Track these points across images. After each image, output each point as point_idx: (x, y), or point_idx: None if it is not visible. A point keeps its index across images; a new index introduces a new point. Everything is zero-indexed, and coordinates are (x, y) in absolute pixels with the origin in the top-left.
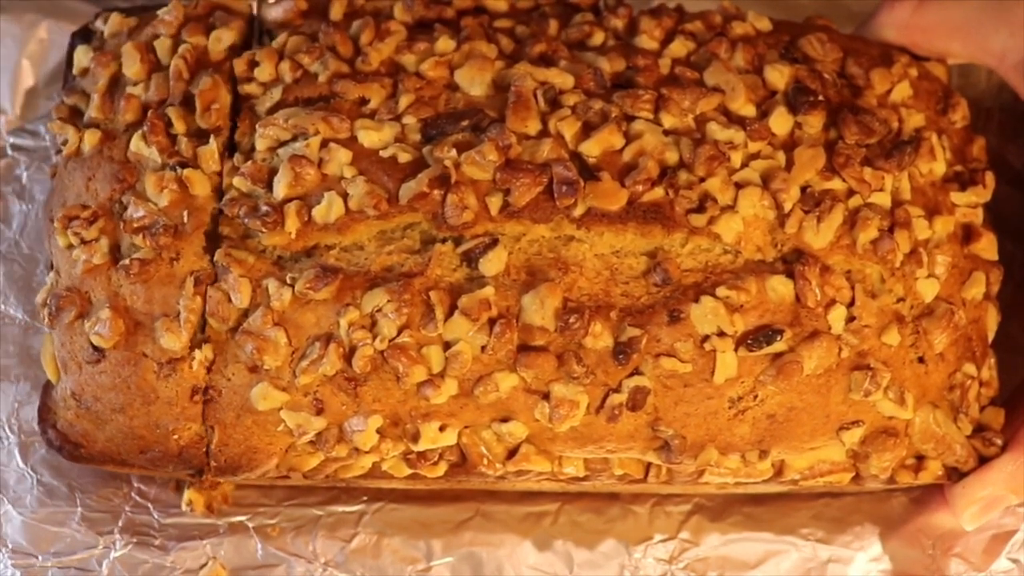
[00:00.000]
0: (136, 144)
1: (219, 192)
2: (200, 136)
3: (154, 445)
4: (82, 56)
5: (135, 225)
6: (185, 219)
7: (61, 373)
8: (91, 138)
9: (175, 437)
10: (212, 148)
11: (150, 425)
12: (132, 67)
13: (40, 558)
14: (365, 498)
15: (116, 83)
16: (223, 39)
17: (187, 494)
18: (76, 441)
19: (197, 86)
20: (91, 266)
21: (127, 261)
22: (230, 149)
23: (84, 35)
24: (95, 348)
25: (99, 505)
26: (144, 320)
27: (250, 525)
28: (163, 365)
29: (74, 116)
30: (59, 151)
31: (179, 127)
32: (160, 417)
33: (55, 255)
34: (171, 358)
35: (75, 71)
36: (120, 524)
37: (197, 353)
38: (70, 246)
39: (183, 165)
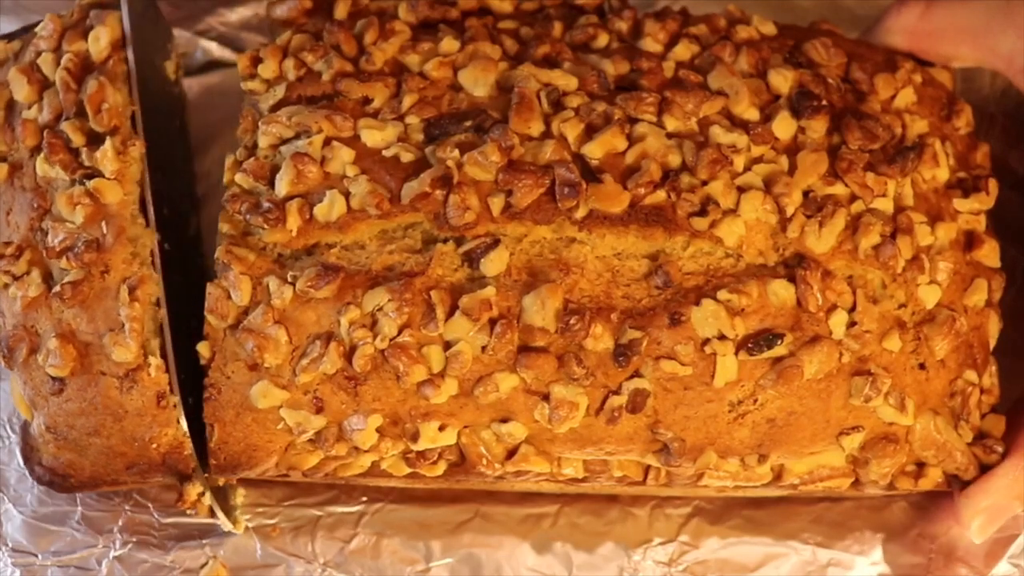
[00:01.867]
0: (41, 168)
1: (139, 185)
2: (101, 142)
3: (136, 458)
4: None
5: (58, 249)
6: (104, 230)
7: (32, 410)
8: (0, 172)
9: (154, 446)
10: (107, 149)
11: (127, 440)
12: (21, 91)
13: (40, 557)
14: (364, 499)
15: (12, 111)
16: (101, 37)
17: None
18: (64, 473)
19: (85, 92)
20: (29, 300)
21: (59, 287)
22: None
23: None
24: (54, 379)
25: (99, 504)
26: (92, 340)
27: (250, 525)
28: (123, 379)
29: None
30: None
31: (77, 139)
32: (134, 430)
33: None
34: (128, 370)
35: None
36: (120, 523)
37: (152, 359)
38: (5, 285)
39: (89, 177)
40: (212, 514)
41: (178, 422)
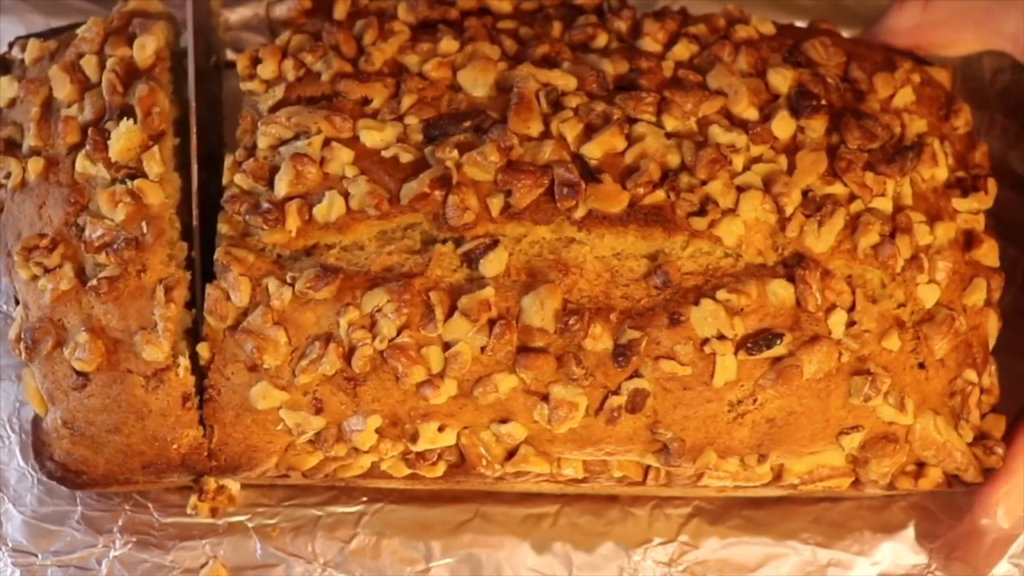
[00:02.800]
0: (82, 164)
1: (182, 194)
2: (143, 145)
3: (155, 458)
4: (6, 87)
5: (96, 244)
6: (144, 230)
7: (48, 404)
8: (35, 167)
9: (175, 446)
10: (154, 151)
11: (147, 439)
12: (63, 89)
13: (40, 557)
14: (364, 499)
15: (49, 108)
16: (147, 46)
17: (192, 499)
18: (76, 469)
19: (134, 95)
20: (59, 293)
21: (95, 281)
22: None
23: (2, 66)
24: (78, 373)
25: (99, 504)
26: (122, 337)
27: (249, 525)
28: (150, 378)
29: (11, 148)
30: (2, 185)
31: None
32: (156, 429)
33: (19, 289)
34: (156, 369)
35: (2, 104)
36: (120, 523)
37: (181, 360)
38: (34, 277)
39: (132, 177)
40: (212, 514)
41: (200, 423)
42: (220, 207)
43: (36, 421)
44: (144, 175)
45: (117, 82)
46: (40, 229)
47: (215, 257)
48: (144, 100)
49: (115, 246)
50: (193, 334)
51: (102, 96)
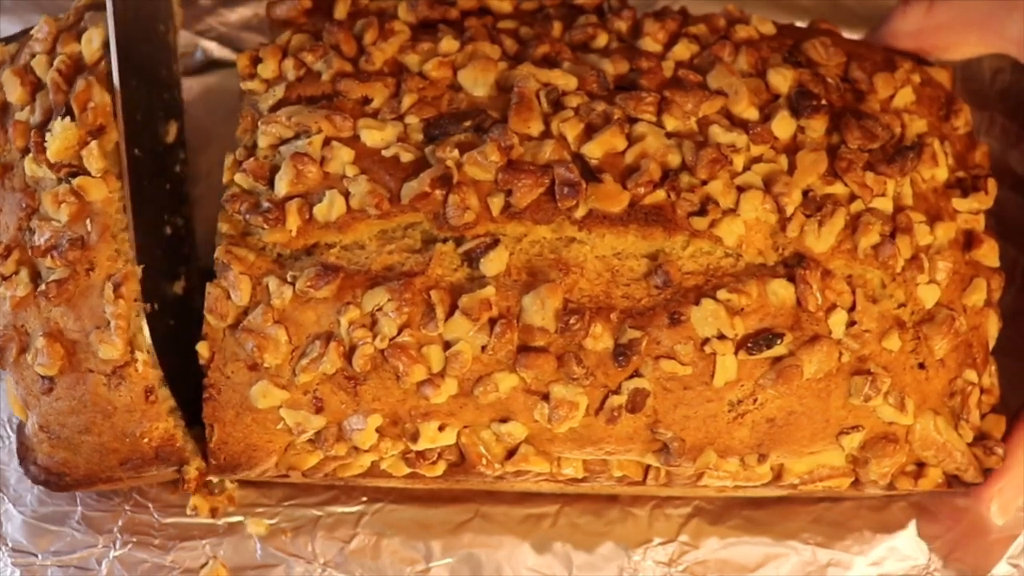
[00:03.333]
0: (30, 168)
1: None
2: (82, 142)
3: (129, 454)
4: None
5: (43, 247)
6: (89, 227)
7: (26, 410)
8: None
9: (145, 440)
10: (92, 147)
11: (118, 436)
12: (14, 93)
13: (40, 557)
14: (364, 499)
15: (5, 112)
16: (94, 40)
17: (192, 500)
18: (59, 471)
19: (72, 92)
20: (17, 300)
21: (45, 286)
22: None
23: None
24: (44, 378)
25: (99, 504)
26: (79, 338)
27: (249, 525)
28: (110, 376)
29: None
30: None
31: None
32: (124, 426)
33: None
34: (115, 367)
35: None
36: (120, 523)
37: (139, 354)
38: None
39: (74, 175)
40: (212, 514)
41: (169, 414)
42: (185, 198)
43: (20, 427)
44: (87, 172)
45: (61, 81)
46: None
47: (215, 256)
48: (80, 96)
49: (60, 248)
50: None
51: (48, 97)
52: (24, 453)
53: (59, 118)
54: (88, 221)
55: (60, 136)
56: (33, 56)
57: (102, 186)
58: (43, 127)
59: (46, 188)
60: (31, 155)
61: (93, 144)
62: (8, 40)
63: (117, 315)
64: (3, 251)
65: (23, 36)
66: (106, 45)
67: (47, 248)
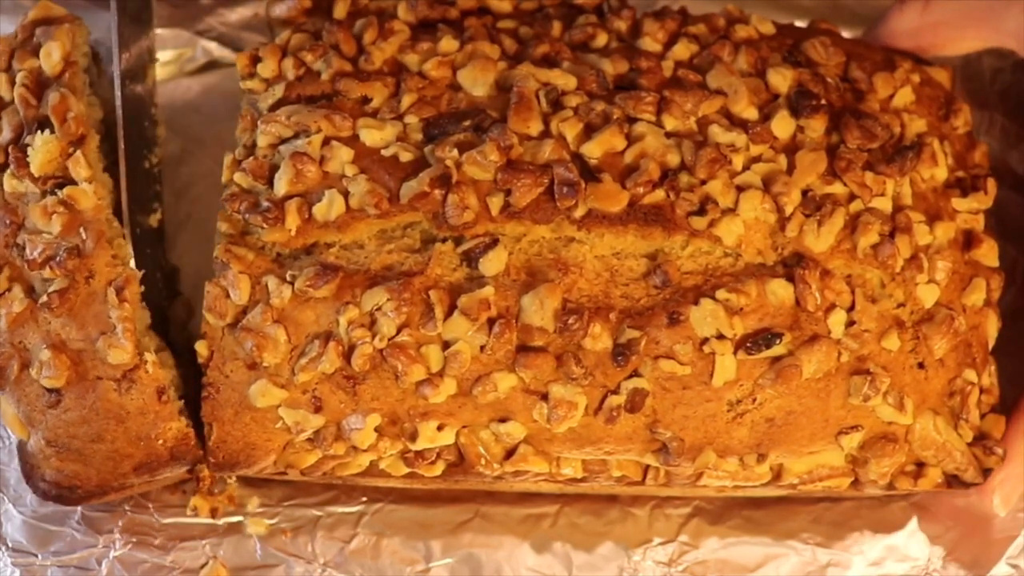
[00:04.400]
0: (9, 184)
1: (114, 195)
2: (64, 153)
3: (144, 458)
4: None
5: (39, 260)
6: (84, 236)
7: (28, 427)
8: None
9: (160, 442)
10: (78, 156)
11: (132, 440)
12: None
13: (40, 557)
14: (364, 499)
15: None
16: (53, 53)
17: (192, 500)
18: (70, 485)
19: (47, 105)
20: (13, 316)
21: (46, 297)
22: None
23: None
24: (50, 391)
25: (99, 504)
26: (84, 346)
27: (248, 525)
28: (120, 381)
29: None
30: None
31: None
32: (138, 429)
33: None
34: (125, 371)
35: None
36: (120, 524)
37: (148, 356)
38: None
39: (61, 186)
40: (212, 514)
41: (180, 414)
42: (148, 204)
43: (21, 446)
44: (73, 182)
45: (29, 95)
46: None
47: (214, 255)
48: (57, 108)
49: (58, 258)
50: (159, 325)
51: (18, 112)
52: (30, 472)
53: (37, 131)
54: (82, 230)
55: (42, 149)
56: None
57: (90, 194)
58: (16, 143)
59: (31, 201)
60: (10, 171)
61: (78, 154)
62: None
63: (123, 318)
64: None
65: None
66: (66, 57)
67: (44, 260)
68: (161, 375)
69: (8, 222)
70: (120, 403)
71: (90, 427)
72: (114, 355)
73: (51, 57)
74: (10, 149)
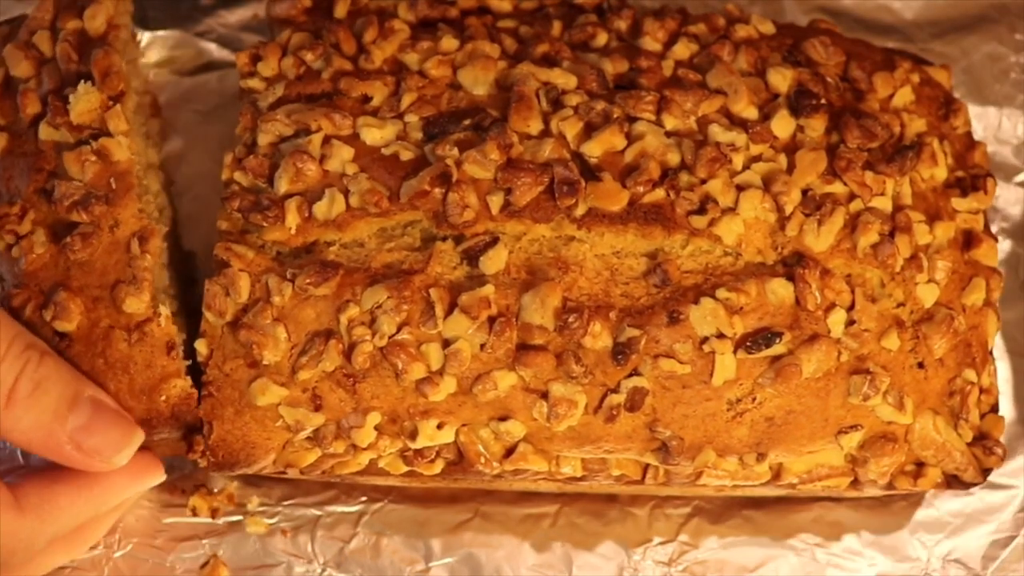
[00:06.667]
0: (45, 132)
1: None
2: (104, 105)
3: (144, 413)
4: None
5: (67, 204)
6: (114, 185)
7: None
8: None
9: (163, 398)
10: (117, 110)
11: (135, 394)
12: (18, 66)
13: None
14: (364, 498)
15: (8, 87)
16: (97, 15)
17: (192, 500)
18: None
19: (90, 60)
20: (34, 257)
21: (69, 239)
22: None
23: None
24: (60, 335)
25: None
26: (100, 294)
27: (248, 525)
28: (132, 331)
29: None
30: None
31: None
32: (143, 382)
33: None
34: (138, 322)
35: None
36: (120, 524)
37: (162, 309)
38: (8, 247)
39: (95, 137)
40: (212, 514)
41: (184, 374)
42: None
43: None
44: (108, 135)
45: (72, 51)
46: (8, 200)
47: (214, 253)
48: (100, 62)
49: (86, 203)
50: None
51: (58, 68)
52: None
53: (82, 82)
54: (112, 180)
55: (83, 98)
56: (33, 33)
57: (124, 147)
58: (56, 93)
59: (65, 150)
60: (46, 119)
61: (117, 107)
62: (2, 23)
63: (144, 268)
64: (19, 211)
65: (11, 24)
66: (110, 21)
67: (71, 204)
68: (172, 331)
69: (39, 168)
70: (129, 354)
71: (96, 375)
72: (130, 303)
73: (95, 19)
74: (49, 98)
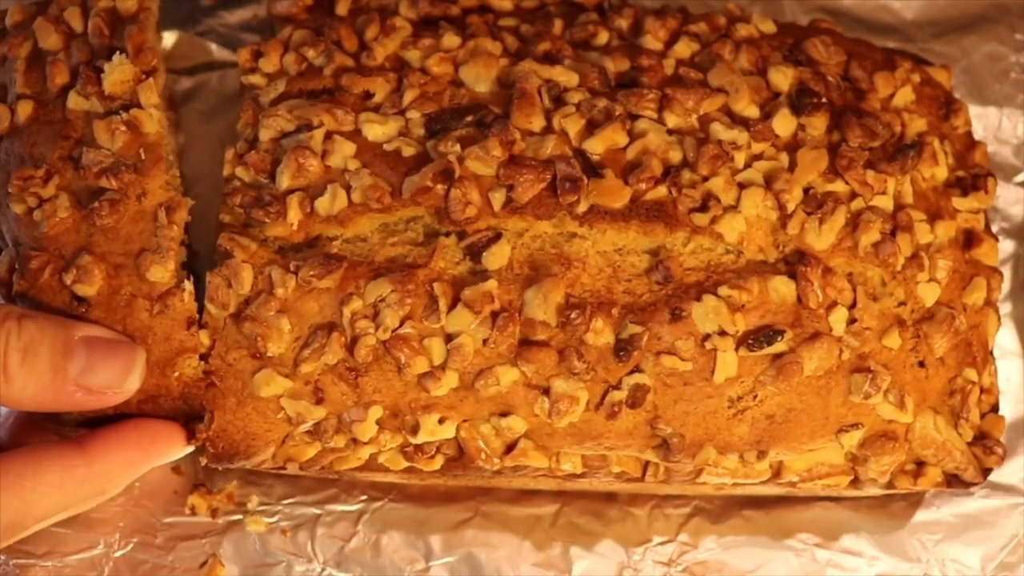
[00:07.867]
0: (73, 100)
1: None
2: (136, 78)
3: (154, 388)
4: None
5: (95, 170)
6: (143, 156)
7: None
8: (24, 109)
9: (176, 374)
10: (149, 83)
11: (149, 365)
12: (48, 39)
13: (40, 557)
14: (364, 497)
15: (35, 59)
16: None
17: (191, 499)
18: None
19: (123, 36)
20: (56, 221)
21: (97, 204)
22: None
23: None
24: (79, 300)
25: (99, 504)
26: (124, 261)
27: (248, 524)
28: (155, 301)
29: None
30: None
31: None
32: (159, 355)
33: (12, 226)
34: (161, 292)
35: None
36: (121, 524)
37: (186, 284)
38: (28, 210)
39: (126, 108)
40: (212, 514)
41: (199, 354)
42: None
43: None
44: (138, 107)
45: (104, 25)
46: (33, 165)
47: (217, 244)
48: (134, 38)
49: (115, 170)
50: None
51: (88, 43)
52: None
53: (117, 54)
54: (141, 151)
55: (117, 69)
56: (63, 9)
57: (155, 120)
58: (87, 64)
59: (95, 119)
60: (77, 88)
61: (150, 80)
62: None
63: (170, 238)
64: (44, 174)
65: (45, 2)
66: (142, 3)
67: (100, 171)
68: (193, 307)
69: (65, 135)
70: (149, 324)
71: None
72: (154, 272)
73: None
74: (80, 68)
